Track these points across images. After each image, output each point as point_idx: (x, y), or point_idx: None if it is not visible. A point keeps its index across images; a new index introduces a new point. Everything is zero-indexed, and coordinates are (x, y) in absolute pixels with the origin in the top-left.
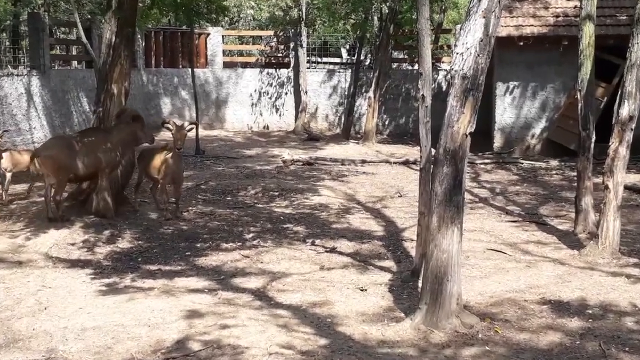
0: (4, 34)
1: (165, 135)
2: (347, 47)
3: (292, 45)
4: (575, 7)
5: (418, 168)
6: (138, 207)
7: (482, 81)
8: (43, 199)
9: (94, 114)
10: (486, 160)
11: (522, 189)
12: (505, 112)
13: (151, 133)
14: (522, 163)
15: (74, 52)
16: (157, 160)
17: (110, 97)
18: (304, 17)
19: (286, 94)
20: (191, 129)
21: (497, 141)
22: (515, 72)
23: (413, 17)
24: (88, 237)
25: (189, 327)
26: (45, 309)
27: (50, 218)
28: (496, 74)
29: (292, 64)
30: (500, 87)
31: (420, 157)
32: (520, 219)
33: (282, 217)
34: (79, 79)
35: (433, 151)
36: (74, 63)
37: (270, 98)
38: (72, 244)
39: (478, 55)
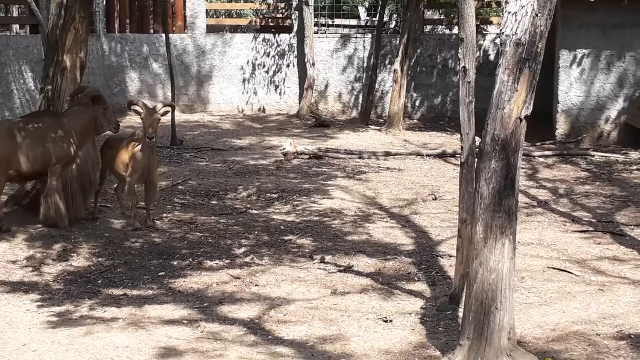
0: None
1: (133, 120)
2: (366, 5)
3: (294, 3)
4: None
5: (458, 162)
6: (98, 214)
7: (541, 49)
8: None
9: (40, 93)
10: (546, 152)
11: (593, 189)
12: (571, 89)
13: (115, 118)
14: (593, 155)
15: (15, 14)
16: (123, 152)
17: (62, 71)
18: None
19: (288, 66)
20: (166, 112)
21: (561, 127)
22: (585, 37)
23: None
24: (34, 252)
25: None
26: None
27: None
28: (559, 40)
29: (295, 28)
30: (564, 57)
31: (461, 148)
32: (590, 229)
33: (282, 227)
34: (22, 48)
35: (478, 140)
36: (15, 27)
37: (267, 72)
38: (13, 262)
39: (536, 15)
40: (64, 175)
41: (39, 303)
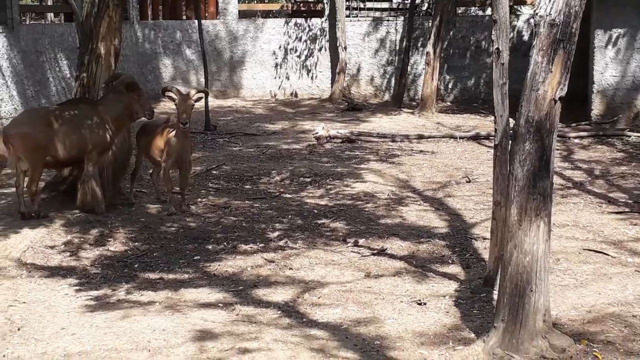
0: None
1: (167, 106)
2: None
3: None
4: None
5: (492, 145)
6: (134, 199)
7: (576, 29)
8: (14, 189)
9: (76, 80)
10: (582, 133)
11: (629, 170)
12: (606, 70)
13: (150, 104)
14: (630, 136)
15: (50, 2)
16: (158, 138)
17: (97, 59)
18: None
19: (320, 50)
20: (199, 98)
21: (596, 108)
22: (621, 16)
23: None
24: (71, 237)
25: (199, 352)
26: (19, 329)
27: (23, 214)
28: (594, 19)
29: (326, 12)
30: (599, 37)
31: (495, 130)
32: (627, 210)
33: (315, 211)
34: (57, 36)
35: (512, 122)
36: (50, 16)
37: (299, 56)
38: (52, 247)
39: None
40: (101, 162)
41: (77, 287)
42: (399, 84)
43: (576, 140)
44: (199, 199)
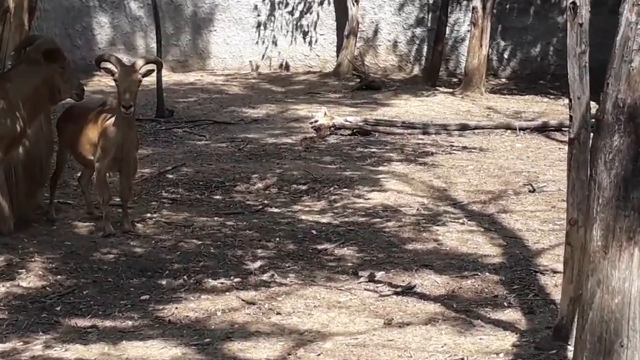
0: None
1: (104, 82)
2: None
3: None
4: None
5: (566, 139)
6: (55, 214)
7: None
8: None
9: None
10: None
11: None
12: None
13: (78, 80)
14: None
15: None
16: (90, 128)
17: (3, 15)
18: None
19: (321, 4)
20: (149, 71)
21: None
22: None
23: None
24: None
25: None
26: None
27: None
28: None
29: None
30: None
31: (571, 118)
32: None
33: (314, 231)
34: None
35: (594, 107)
36: None
37: (291, 13)
38: None
39: None
40: (7, 161)
41: None
42: (434, 53)
43: None
44: (149, 214)
